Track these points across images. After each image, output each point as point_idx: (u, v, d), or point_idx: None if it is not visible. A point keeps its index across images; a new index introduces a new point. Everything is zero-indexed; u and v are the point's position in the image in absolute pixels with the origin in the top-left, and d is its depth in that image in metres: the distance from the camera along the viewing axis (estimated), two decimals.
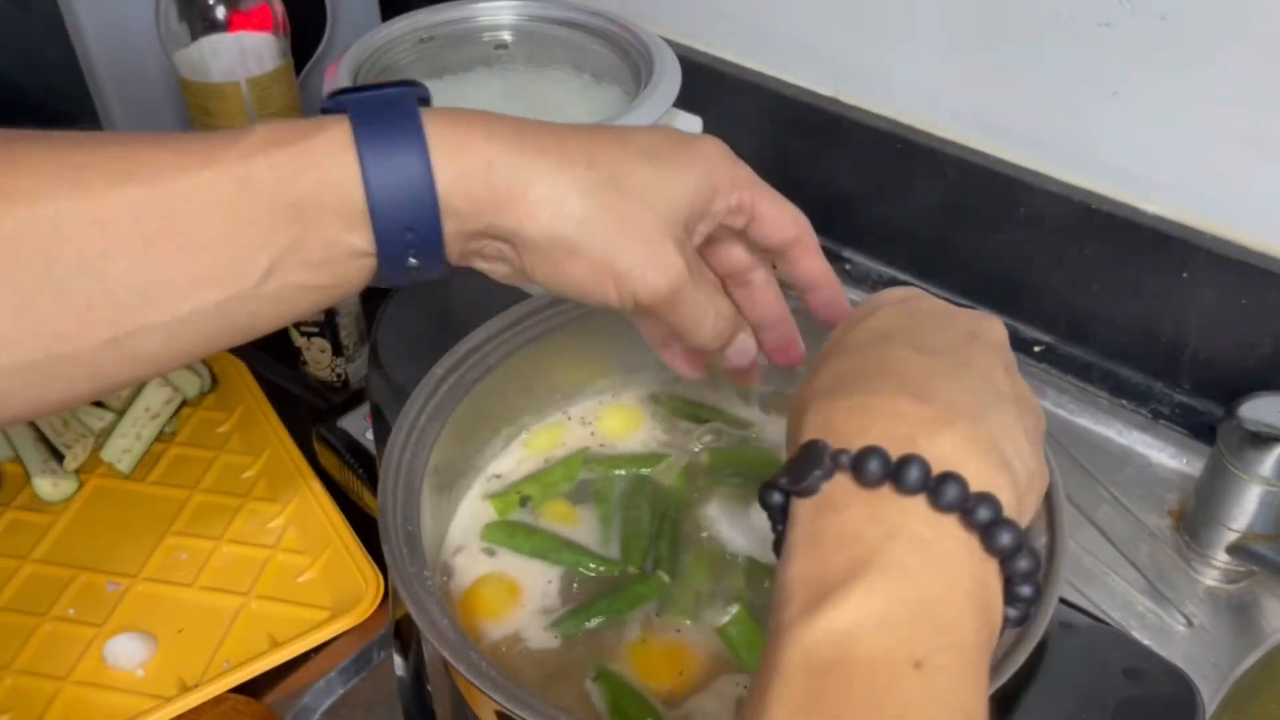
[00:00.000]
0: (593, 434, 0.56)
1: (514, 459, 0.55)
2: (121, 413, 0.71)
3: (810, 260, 0.46)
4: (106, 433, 0.71)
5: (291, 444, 0.70)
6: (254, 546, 0.66)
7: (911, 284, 0.84)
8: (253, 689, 0.58)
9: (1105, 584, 0.63)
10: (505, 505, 0.52)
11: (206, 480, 0.70)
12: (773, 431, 0.56)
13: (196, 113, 0.79)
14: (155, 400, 0.71)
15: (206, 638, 0.61)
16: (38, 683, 0.59)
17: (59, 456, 0.69)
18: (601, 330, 0.55)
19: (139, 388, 0.72)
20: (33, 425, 0.71)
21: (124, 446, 0.70)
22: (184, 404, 0.74)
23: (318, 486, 0.67)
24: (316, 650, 0.60)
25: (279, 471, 0.69)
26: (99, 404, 0.72)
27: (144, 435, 0.71)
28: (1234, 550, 0.61)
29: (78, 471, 0.70)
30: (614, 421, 0.57)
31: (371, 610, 0.60)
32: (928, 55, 0.77)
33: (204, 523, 0.68)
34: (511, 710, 0.37)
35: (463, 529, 0.52)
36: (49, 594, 0.63)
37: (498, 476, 0.54)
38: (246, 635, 0.61)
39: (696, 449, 0.55)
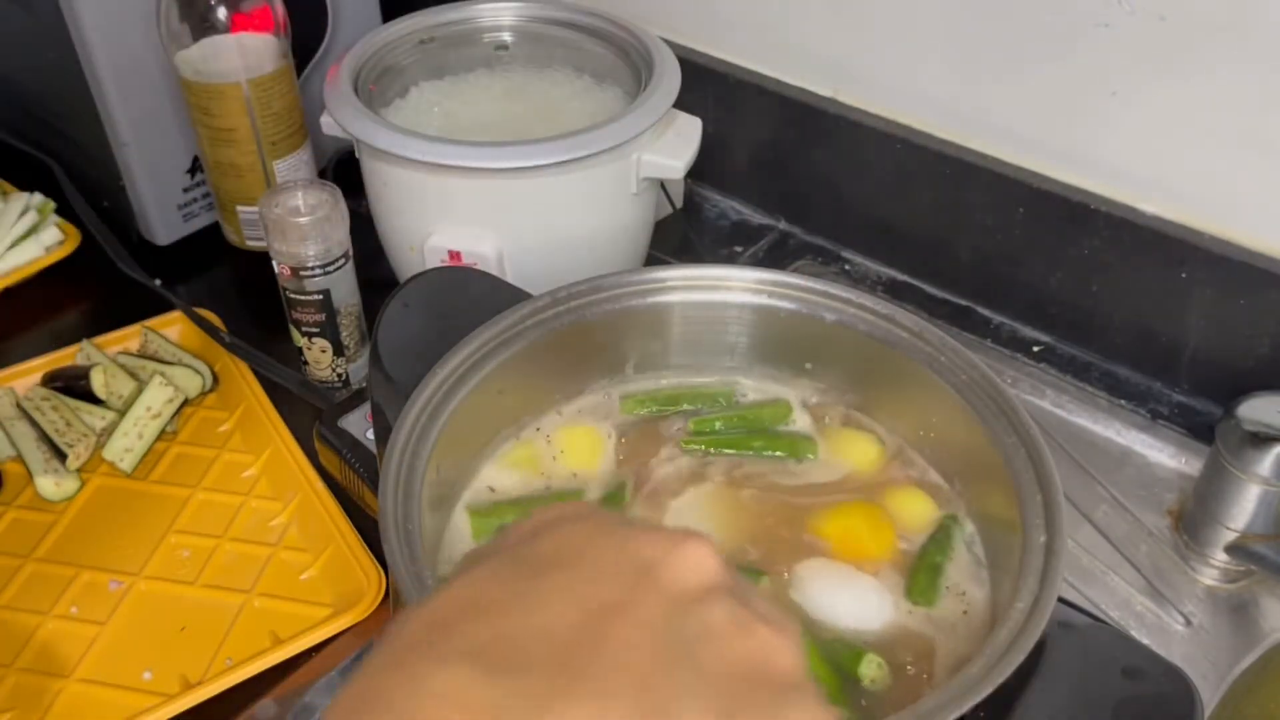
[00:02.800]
0: (554, 459, 0.55)
1: (496, 470, 0.54)
2: (123, 412, 0.71)
3: None
4: (108, 432, 0.71)
5: (293, 442, 0.70)
6: (256, 544, 0.66)
7: (910, 284, 0.84)
8: (254, 687, 0.58)
9: (1104, 583, 0.63)
10: (483, 526, 0.52)
11: (208, 479, 0.70)
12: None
13: (197, 113, 0.79)
14: (157, 399, 0.72)
15: (209, 635, 0.61)
16: (41, 681, 0.59)
17: (61, 456, 0.69)
18: (599, 331, 0.55)
19: (140, 387, 0.73)
20: (35, 425, 0.71)
21: (126, 446, 0.70)
22: (185, 403, 0.74)
23: (319, 484, 0.67)
24: (318, 649, 0.60)
25: (280, 470, 0.69)
26: (100, 403, 0.72)
27: (146, 434, 0.71)
28: (1233, 550, 0.62)
29: (79, 471, 0.70)
30: (576, 444, 0.55)
31: (373, 608, 0.60)
32: (927, 56, 0.77)
33: (206, 521, 0.68)
34: None
35: (460, 530, 0.52)
36: (51, 592, 0.63)
37: (491, 489, 0.54)
38: (249, 633, 0.61)
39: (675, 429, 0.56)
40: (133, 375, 0.74)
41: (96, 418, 0.71)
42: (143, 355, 0.77)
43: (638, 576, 0.26)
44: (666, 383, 0.58)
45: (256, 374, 0.76)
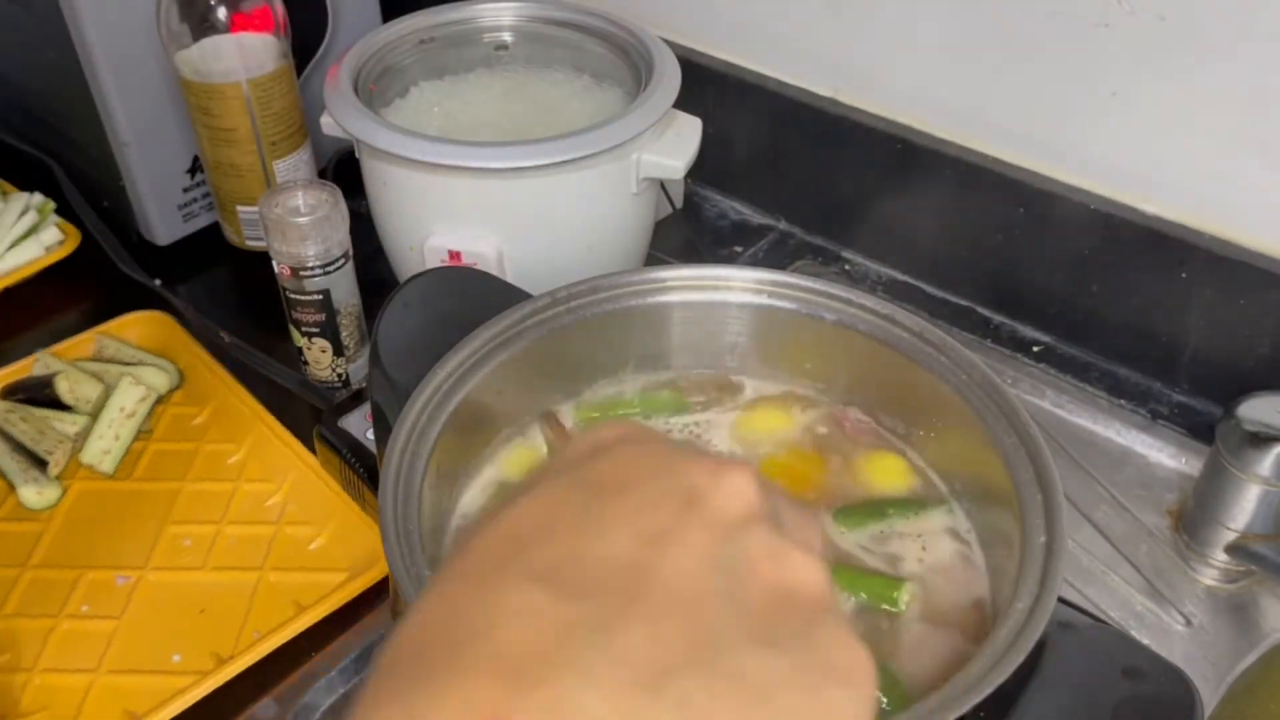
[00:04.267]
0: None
1: (497, 471, 0.54)
2: (94, 416, 0.71)
3: None
4: (82, 437, 0.70)
5: (277, 424, 0.71)
6: (257, 524, 0.67)
7: (910, 284, 0.84)
8: (253, 688, 0.58)
9: (1104, 583, 0.63)
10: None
11: (193, 471, 0.70)
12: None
13: (198, 113, 0.79)
14: (130, 399, 0.71)
15: (232, 612, 0.62)
16: (67, 679, 0.59)
17: (40, 464, 0.69)
18: (599, 331, 0.55)
19: (107, 390, 0.72)
20: (8, 436, 0.70)
21: (103, 448, 0.70)
22: (157, 401, 0.74)
23: (313, 460, 0.68)
24: (318, 649, 0.60)
25: (267, 452, 0.70)
26: (67, 409, 0.72)
27: (122, 435, 0.70)
28: (1232, 550, 0.62)
29: (60, 477, 0.69)
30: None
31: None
32: (927, 56, 0.77)
33: (201, 509, 0.68)
34: None
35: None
36: (58, 595, 0.63)
37: (492, 490, 0.53)
38: (271, 605, 0.62)
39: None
40: (97, 378, 0.73)
41: (68, 424, 0.71)
42: (100, 360, 0.76)
43: (686, 504, 0.27)
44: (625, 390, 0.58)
45: (245, 369, 0.76)
